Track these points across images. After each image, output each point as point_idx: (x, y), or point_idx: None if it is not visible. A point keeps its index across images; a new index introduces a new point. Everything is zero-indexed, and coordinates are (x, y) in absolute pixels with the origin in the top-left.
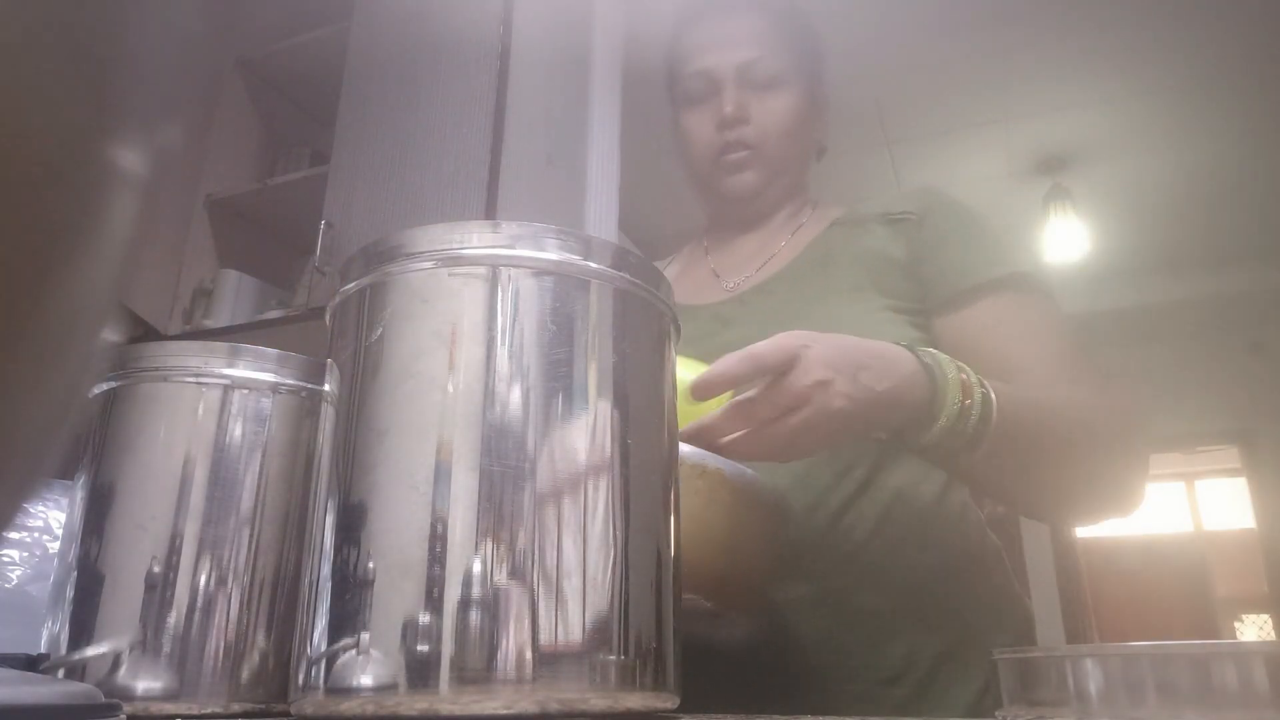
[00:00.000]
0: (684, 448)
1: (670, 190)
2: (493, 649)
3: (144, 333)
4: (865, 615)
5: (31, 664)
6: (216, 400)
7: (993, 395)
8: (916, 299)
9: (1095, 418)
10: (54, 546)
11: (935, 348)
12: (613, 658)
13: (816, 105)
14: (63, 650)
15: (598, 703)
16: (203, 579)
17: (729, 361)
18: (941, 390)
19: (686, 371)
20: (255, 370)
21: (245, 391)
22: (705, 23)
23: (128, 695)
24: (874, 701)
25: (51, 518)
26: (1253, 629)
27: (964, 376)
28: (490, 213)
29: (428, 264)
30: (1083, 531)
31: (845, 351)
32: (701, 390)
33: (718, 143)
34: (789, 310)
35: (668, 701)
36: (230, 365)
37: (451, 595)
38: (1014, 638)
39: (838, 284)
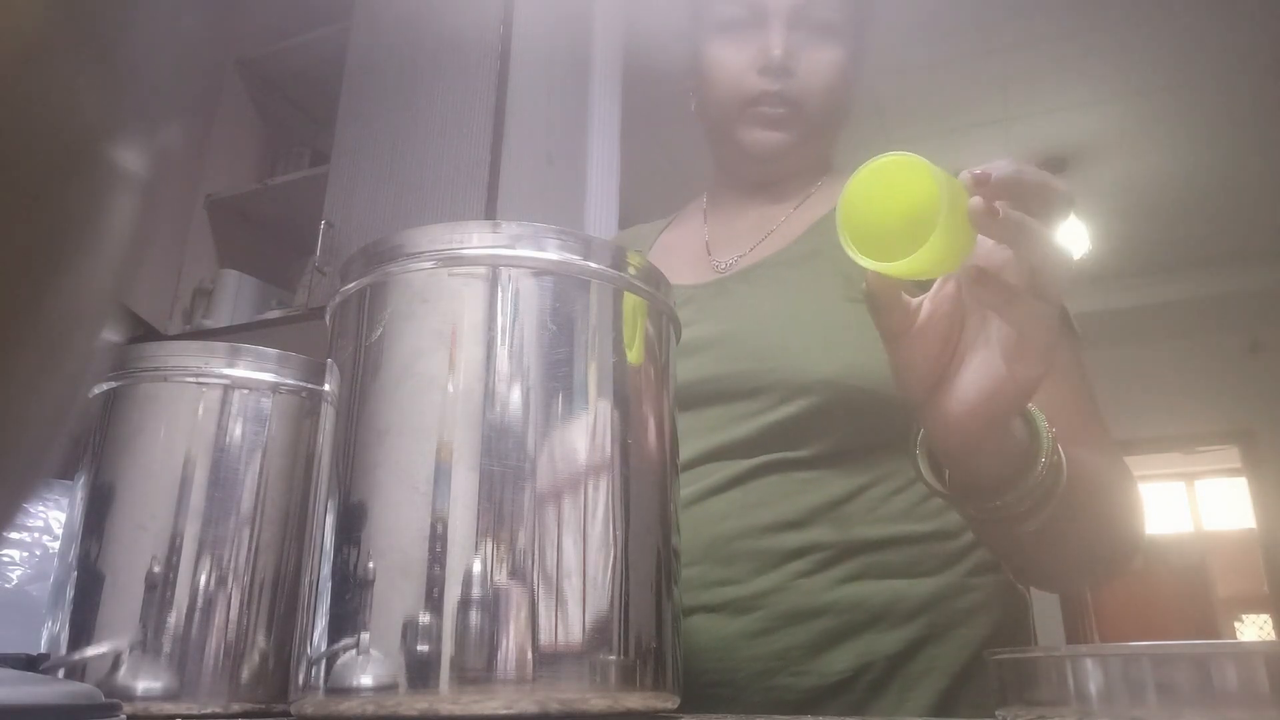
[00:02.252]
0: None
1: (669, 188)
2: (493, 649)
3: (144, 333)
4: (802, 618)
5: (31, 664)
6: (216, 400)
7: (1062, 457)
8: None
9: (1114, 494)
10: (54, 546)
11: None
12: (613, 658)
13: (859, 66)
14: (63, 650)
15: (598, 703)
16: (203, 579)
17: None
18: (1046, 439)
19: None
20: (255, 370)
21: (245, 391)
22: None
23: (128, 695)
24: (819, 707)
25: (51, 518)
26: (1253, 629)
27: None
28: (490, 213)
29: (428, 264)
30: None
31: None
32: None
33: (753, 88)
34: (768, 307)
35: (668, 701)
36: (230, 365)
37: (451, 595)
38: (993, 632)
39: (821, 283)
